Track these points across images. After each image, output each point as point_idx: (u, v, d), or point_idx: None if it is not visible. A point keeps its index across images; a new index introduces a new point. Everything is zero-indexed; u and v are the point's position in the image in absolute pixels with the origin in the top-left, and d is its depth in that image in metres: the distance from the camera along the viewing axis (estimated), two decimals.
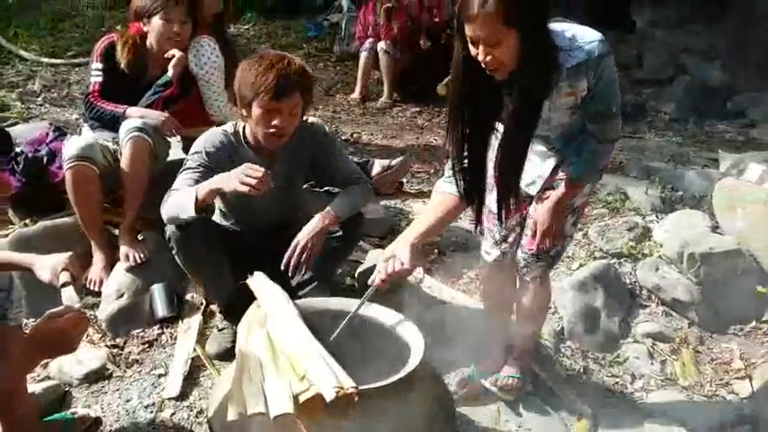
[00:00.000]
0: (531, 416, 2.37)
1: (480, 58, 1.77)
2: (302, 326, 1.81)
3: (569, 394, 2.51)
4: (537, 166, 2.18)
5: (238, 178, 2.14)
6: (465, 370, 2.50)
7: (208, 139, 2.46)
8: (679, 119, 5.79)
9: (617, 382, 2.68)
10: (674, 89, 6.20)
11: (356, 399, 1.56)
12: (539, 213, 2.15)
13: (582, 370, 2.71)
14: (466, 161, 2.01)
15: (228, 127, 2.52)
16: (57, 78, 5.76)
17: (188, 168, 2.41)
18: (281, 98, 2.28)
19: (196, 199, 2.19)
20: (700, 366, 2.82)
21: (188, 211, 2.21)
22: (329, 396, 1.53)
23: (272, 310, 1.90)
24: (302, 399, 1.57)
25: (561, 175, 2.13)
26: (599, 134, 2.02)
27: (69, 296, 1.79)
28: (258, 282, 2.08)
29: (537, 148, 2.16)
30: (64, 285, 1.84)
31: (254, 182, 2.11)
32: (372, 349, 1.97)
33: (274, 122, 2.32)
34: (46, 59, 6.14)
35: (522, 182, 2.15)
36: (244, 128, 2.48)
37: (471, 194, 2.06)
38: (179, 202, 2.26)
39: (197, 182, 2.31)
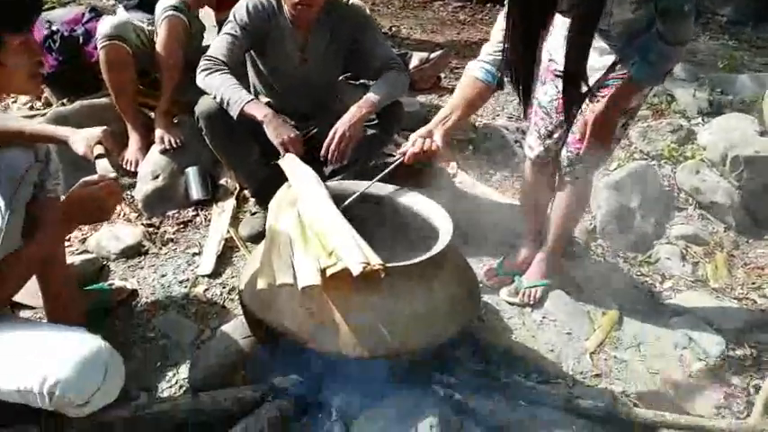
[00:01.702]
0: (557, 308, 2.39)
1: None
2: (332, 205, 1.81)
3: (597, 289, 2.52)
4: (594, 60, 2.06)
5: (280, 136, 2.21)
6: (492, 261, 2.51)
7: (249, 1, 2.42)
8: (736, 22, 5.47)
9: (646, 281, 2.67)
10: None
11: (382, 275, 1.57)
12: (592, 114, 2.05)
13: (612, 268, 2.70)
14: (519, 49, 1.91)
15: None
16: None
17: (228, 34, 2.39)
18: None
19: (242, 110, 2.22)
20: (732, 270, 2.78)
21: (230, 111, 2.24)
22: (356, 271, 1.54)
23: (302, 189, 1.91)
24: (330, 272, 1.59)
25: (617, 73, 2.02)
26: (668, 35, 1.85)
27: (104, 167, 1.80)
28: (290, 162, 2.08)
29: (597, 43, 2.04)
30: (98, 157, 1.86)
31: (291, 148, 2.20)
32: (403, 232, 1.98)
33: None
34: None
35: None
36: None
37: (518, 83, 1.95)
38: (225, 93, 2.26)
39: (236, 47, 2.38)
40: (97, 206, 1.62)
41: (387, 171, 2.03)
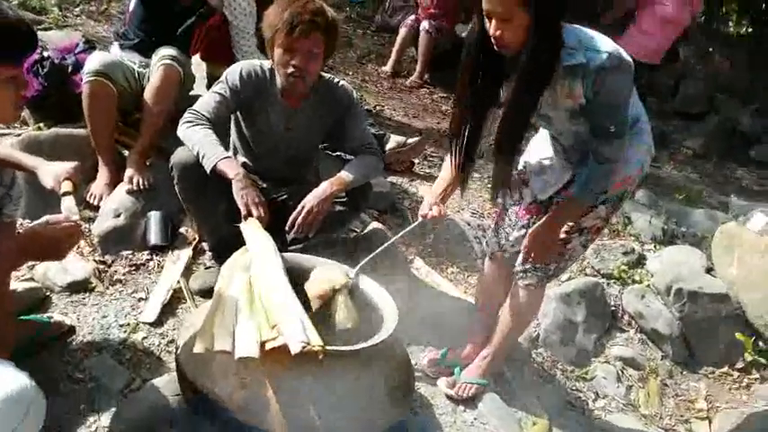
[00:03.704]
0: (490, 411, 2.40)
1: (491, 32, 1.83)
2: (284, 278, 1.84)
3: (531, 398, 2.55)
4: (555, 174, 2.19)
5: (245, 198, 2.22)
6: (437, 351, 2.55)
7: (245, 66, 2.49)
8: (702, 156, 5.77)
9: (580, 397, 2.72)
10: (702, 126, 6.17)
11: (320, 357, 1.59)
12: (532, 229, 2.18)
13: (548, 379, 2.74)
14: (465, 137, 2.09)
15: (266, 63, 2.53)
16: None
17: (217, 93, 2.44)
18: (297, 36, 2.28)
19: (215, 166, 2.25)
20: (663, 399, 2.85)
21: (205, 165, 2.27)
22: (295, 349, 1.56)
23: (258, 256, 1.93)
24: (268, 346, 1.61)
25: (568, 190, 2.14)
26: (595, 152, 1.99)
27: (68, 206, 1.81)
28: (251, 227, 2.11)
29: (558, 159, 2.18)
30: (65, 194, 1.87)
31: (253, 211, 2.20)
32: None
33: (293, 62, 2.33)
34: None
35: (536, 186, 2.18)
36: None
37: (458, 155, 2.15)
38: (202, 147, 2.29)
39: (222, 107, 2.42)
40: (54, 246, 1.63)
41: (404, 232, 2.29)
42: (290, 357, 1.58)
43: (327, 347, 1.61)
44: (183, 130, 2.35)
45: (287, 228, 2.36)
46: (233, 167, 2.29)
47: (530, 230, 2.17)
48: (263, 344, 1.61)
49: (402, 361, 1.95)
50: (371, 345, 1.70)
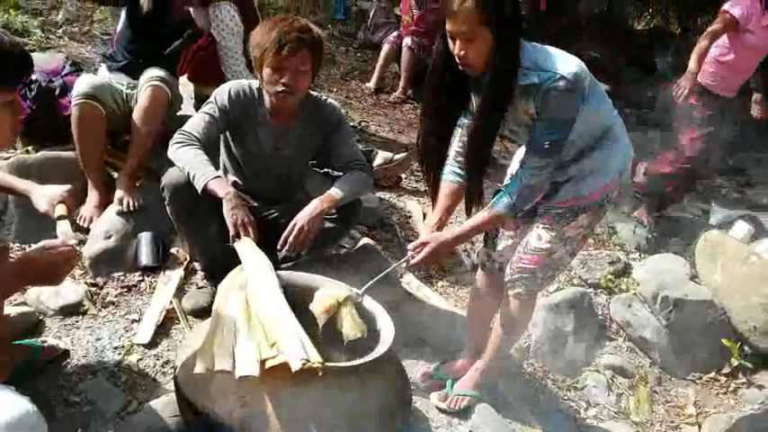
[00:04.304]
0: (484, 422, 2.42)
1: (456, 51, 1.93)
2: (281, 296, 1.86)
3: (524, 408, 2.58)
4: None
5: (234, 217, 2.24)
6: (430, 365, 2.57)
7: (233, 86, 2.51)
8: None
9: (571, 407, 2.75)
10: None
11: (320, 374, 1.62)
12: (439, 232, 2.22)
13: (540, 389, 2.78)
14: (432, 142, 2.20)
15: (254, 83, 2.55)
16: (81, 14, 5.74)
17: (206, 113, 2.46)
18: (286, 54, 2.32)
19: (206, 186, 2.27)
20: (654, 406, 2.90)
21: (195, 184, 2.29)
22: (295, 366, 1.58)
23: (254, 275, 1.95)
24: (269, 364, 1.62)
25: (562, 198, 2.19)
26: (523, 165, 2.09)
27: (64, 230, 1.81)
28: (245, 247, 2.13)
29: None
30: (60, 218, 1.87)
31: (242, 232, 2.22)
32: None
33: (282, 80, 2.36)
34: None
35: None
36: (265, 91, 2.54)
37: (428, 173, 2.27)
38: (193, 167, 2.31)
39: (212, 127, 2.45)
40: (51, 271, 1.64)
41: (392, 268, 2.28)
42: (290, 375, 1.60)
43: (327, 364, 1.63)
44: (173, 151, 2.37)
45: (278, 246, 2.38)
46: (223, 187, 2.30)
47: (440, 232, 2.20)
48: (263, 362, 1.63)
49: (399, 375, 1.97)
50: (370, 359, 1.73)
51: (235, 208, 2.26)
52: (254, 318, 1.78)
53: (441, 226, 2.21)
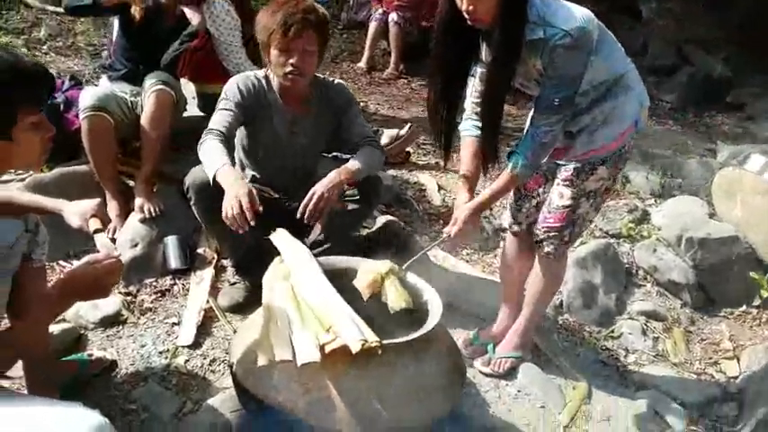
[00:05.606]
0: (531, 381, 2.47)
1: (464, 7, 1.93)
2: (326, 281, 1.87)
3: (566, 364, 2.62)
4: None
5: (226, 211, 2.12)
6: (468, 332, 2.60)
7: (240, 79, 2.50)
8: (679, 109, 5.88)
9: (611, 356, 2.79)
10: (676, 79, 6.27)
11: (380, 352, 1.63)
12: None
13: (578, 343, 2.81)
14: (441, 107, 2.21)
15: (259, 72, 2.55)
16: (62, 27, 5.69)
17: (224, 109, 2.44)
18: (293, 36, 2.32)
19: (214, 177, 2.20)
20: (690, 345, 2.93)
21: (208, 176, 2.25)
22: (355, 348, 1.60)
23: (295, 264, 1.96)
24: (328, 349, 1.64)
25: (578, 152, 2.20)
26: (532, 123, 2.10)
27: (104, 243, 1.81)
28: (281, 238, 2.13)
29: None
30: (96, 232, 1.87)
31: (235, 223, 2.12)
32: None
33: (291, 61, 2.36)
34: (51, 7, 6.05)
35: None
36: (273, 77, 2.53)
37: (439, 136, 2.27)
38: (207, 160, 2.27)
39: (233, 120, 2.42)
40: (99, 284, 1.65)
41: (432, 246, 2.40)
42: (350, 357, 1.61)
43: (384, 341, 1.65)
44: (198, 150, 2.34)
45: (297, 216, 2.33)
46: (228, 176, 2.19)
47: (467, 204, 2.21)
48: (322, 347, 1.65)
49: (451, 345, 1.99)
50: (425, 333, 1.74)
51: (231, 199, 2.12)
52: (304, 305, 1.79)
53: (471, 189, 2.26)
